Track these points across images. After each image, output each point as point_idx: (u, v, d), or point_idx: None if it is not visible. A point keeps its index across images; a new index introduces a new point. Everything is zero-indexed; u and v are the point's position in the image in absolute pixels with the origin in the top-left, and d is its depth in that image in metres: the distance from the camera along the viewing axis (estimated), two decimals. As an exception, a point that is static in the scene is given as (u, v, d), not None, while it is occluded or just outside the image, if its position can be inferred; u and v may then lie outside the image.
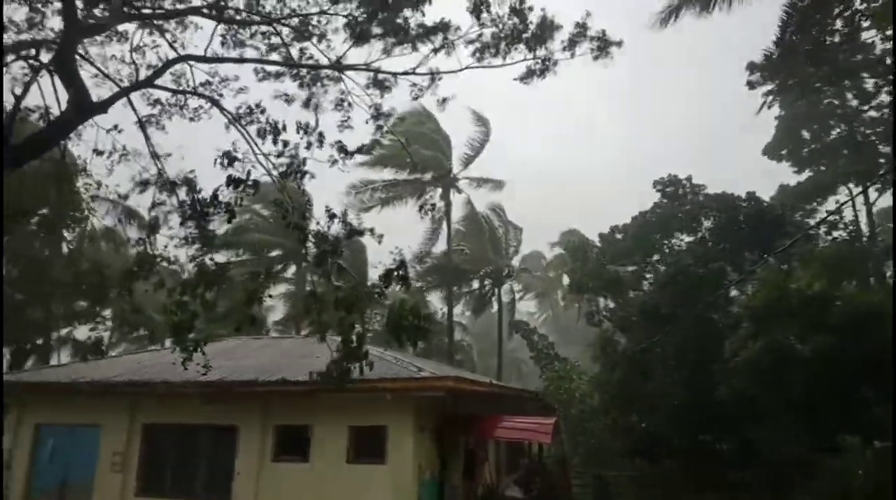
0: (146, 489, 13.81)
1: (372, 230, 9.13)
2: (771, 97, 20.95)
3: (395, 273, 8.26)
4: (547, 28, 9.73)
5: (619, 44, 10.18)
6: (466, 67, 9.89)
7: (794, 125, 32.20)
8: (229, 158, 8.16)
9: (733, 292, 20.84)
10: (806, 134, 32.55)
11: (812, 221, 24.45)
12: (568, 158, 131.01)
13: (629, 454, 21.99)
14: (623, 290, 23.67)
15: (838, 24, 17.12)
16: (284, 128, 8.91)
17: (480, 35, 9.85)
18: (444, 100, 10.73)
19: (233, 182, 8.03)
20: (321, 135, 9.17)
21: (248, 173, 8.09)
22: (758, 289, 18.18)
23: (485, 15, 9.68)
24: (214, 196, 8.43)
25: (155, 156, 9.09)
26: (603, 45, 10.03)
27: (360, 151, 9.54)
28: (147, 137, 9.46)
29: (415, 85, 10.23)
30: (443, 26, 9.65)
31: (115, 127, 10.18)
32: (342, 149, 9.20)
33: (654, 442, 19.93)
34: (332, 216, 8.72)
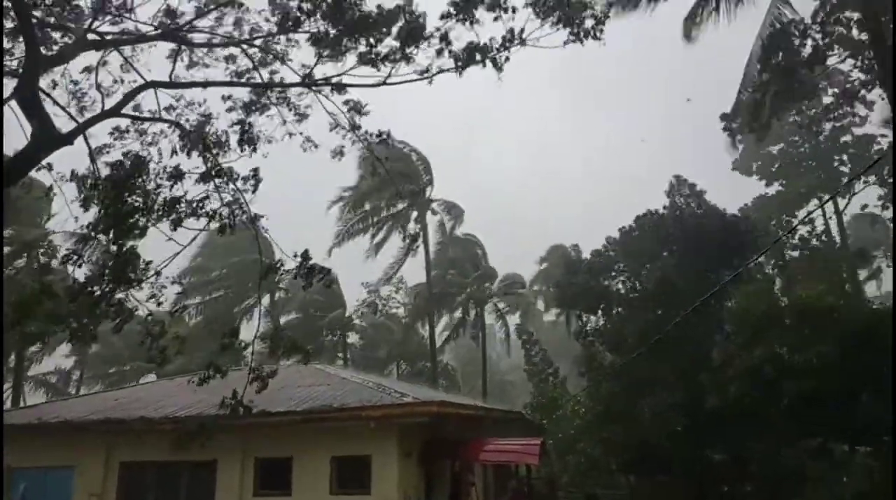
0: (124, 530, 13.36)
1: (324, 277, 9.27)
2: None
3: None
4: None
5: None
6: (439, 72, 9.69)
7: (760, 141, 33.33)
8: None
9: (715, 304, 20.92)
10: (773, 149, 33.73)
11: (782, 232, 24.85)
12: (549, 172, 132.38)
13: (622, 471, 21.81)
14: (610, 304, 23.65)
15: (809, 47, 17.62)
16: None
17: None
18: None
19: None
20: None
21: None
22: (746, 298, 18.23)
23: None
24: None
25: (95, 187, 8.93)
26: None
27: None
28: (96, 169, 9.32)
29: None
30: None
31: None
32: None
33: (647, 456, 19.78)
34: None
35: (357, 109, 10.17)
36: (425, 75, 10.02)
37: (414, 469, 12.99)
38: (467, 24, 9.64)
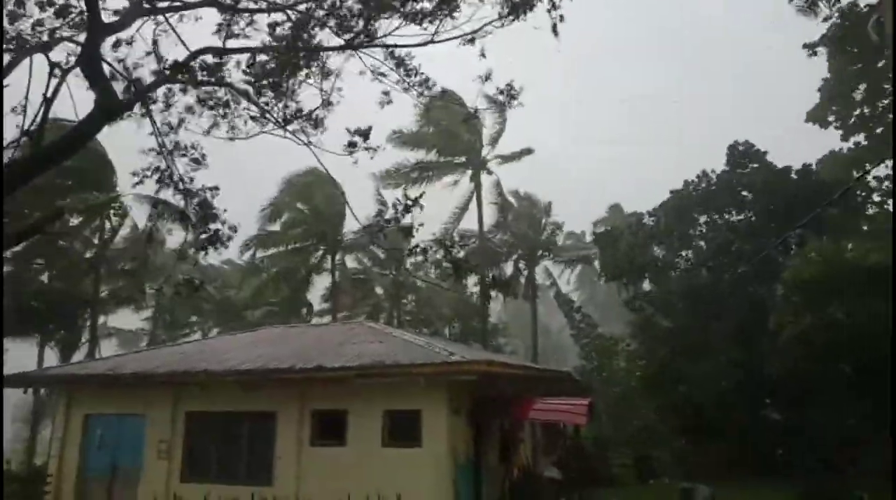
0: (191, 474, 14.19)
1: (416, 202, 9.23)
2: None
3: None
4: None
5: None
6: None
7: (843, 87, 30.74)
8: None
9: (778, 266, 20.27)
10: (858, 96, 31.01)
11: (862, 192, 23.22)
12: (613, 128, 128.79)
13: (676, 434, 21.77)
14: (660, 271, 23.26)
15: None
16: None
17: None
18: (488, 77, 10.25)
19: None
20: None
21: None
22: (807, 261, 17.55)
23: None
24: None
25: (166, 152, 9.27)
26: None
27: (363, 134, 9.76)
28: (158, 134, 9.68)
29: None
30: None
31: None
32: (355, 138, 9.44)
33: (700, 420, 19.66)
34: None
35: (402, 64, 10.18)
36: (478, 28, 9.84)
37: (463, 425, 13.32)
38: None
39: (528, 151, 33.38)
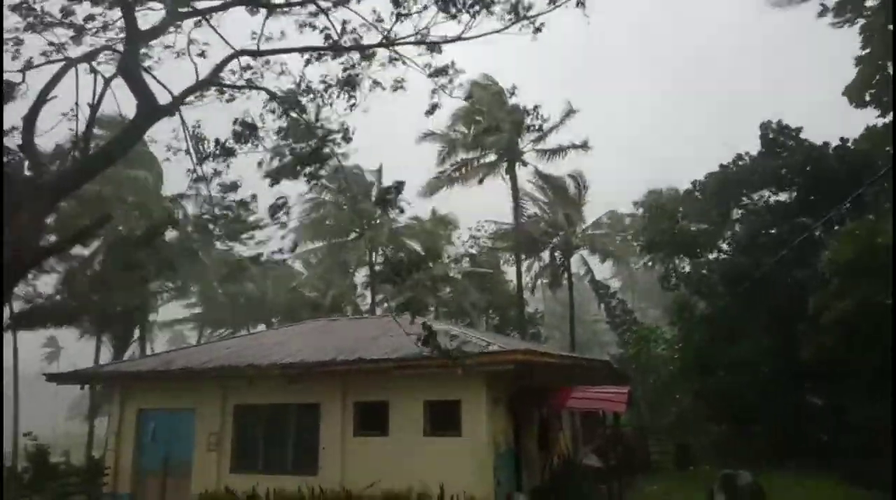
0: (240, 466, 14.65)
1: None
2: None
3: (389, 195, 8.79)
4: None
5: None
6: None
7: (881, 62, 29.62)
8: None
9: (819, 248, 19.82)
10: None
11: None
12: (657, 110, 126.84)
13: (714, 420, 21.56)
14: (698, 250, 22.95)
15: None
16: None
17: None
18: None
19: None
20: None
21: None
22: (843, 243, 17.15)
23: None
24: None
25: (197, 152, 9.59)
26: None
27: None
28: (188, 138, 10.02)
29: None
30: None
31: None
32: None
33: (739, 406, 19.43)
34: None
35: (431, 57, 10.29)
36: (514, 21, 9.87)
37: (503, 415, 13.48)
38: None
39: (585, 146, 32.92)
